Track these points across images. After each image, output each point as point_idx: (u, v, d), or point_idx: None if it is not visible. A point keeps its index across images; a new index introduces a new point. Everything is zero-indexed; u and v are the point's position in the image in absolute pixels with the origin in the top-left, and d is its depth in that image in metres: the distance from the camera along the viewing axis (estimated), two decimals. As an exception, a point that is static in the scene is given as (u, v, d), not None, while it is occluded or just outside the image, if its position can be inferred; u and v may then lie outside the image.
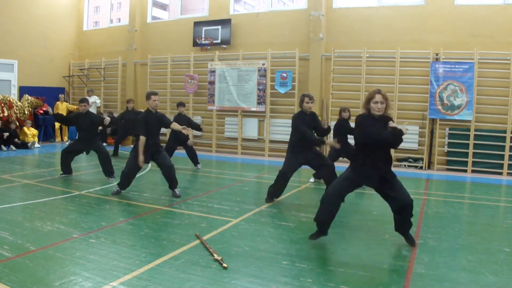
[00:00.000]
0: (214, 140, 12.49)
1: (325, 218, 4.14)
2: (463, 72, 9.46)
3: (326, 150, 9.56)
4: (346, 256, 3.94)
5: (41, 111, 13.03)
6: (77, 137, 7.79)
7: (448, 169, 9.83)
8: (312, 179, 7.78)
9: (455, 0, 9.80)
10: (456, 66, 9.54)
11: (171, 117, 9.45)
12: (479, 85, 9.46)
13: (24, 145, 11.55)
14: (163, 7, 32.33)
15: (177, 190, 6.23)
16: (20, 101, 12.69)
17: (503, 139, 9.31)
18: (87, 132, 7.38)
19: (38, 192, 6.18)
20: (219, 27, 12.30)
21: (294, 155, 5.83)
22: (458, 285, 3.30)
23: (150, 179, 7.61)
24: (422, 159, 10.04)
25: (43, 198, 5.80)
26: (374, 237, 4.51)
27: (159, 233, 4.45)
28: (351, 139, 6.89)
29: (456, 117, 9.62)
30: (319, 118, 6.28)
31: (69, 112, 13.23)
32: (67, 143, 12.01)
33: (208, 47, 12.55)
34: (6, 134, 11.20)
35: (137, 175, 6.39)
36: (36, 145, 12.00)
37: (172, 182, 6.22)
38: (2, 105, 11.75)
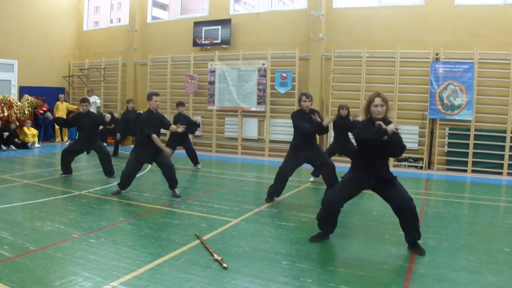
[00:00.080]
0: (214, 140, 12.49)
1: (328, 223, 4.20)
2: (463, 72, 9.46)
3: (327, 142, 9.46)
4: (346, 256, 3.94)
5: (41, 111, 13.03)
6: (77, 137, 7.79)
7: (448, 169, 9.83)
8: (312, 178, 7.77)
9: (455, 0, 9.79)
10: (456, 66, 9.54)
11: (171, 117, 9.44)
12: (479, 85, 9.45)
13: (24, 145, 11.55)
14: (163, 7, 32.33)
15: (177, 190, 6.24)
16: (20, 101, 12.69)
17: (503, 139, 9.30)
18: (88, 132, 7.38)
19: (38, 192, 6.18)
20: (219, 27, 12.29)
21: (295, 154, 5.83)
22: (458, 285, 3.30)
23: (150, 179, 7.61)
24: (422, 159, 10.04)
25: (43, 198, 5.81)
26: (374, 237, 4.52)
27: (159, 233, 4.45)
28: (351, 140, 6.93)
29: (456, 117, 9.62)
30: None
31: (69, 112, 13.23)
32: (67, 143, 12.03)
33: (208, 47, 12.55)
34: (6, 134, 11.21)
35: (137, 175, 6.40)
36: (36, 145, 12.00)
37: (172, 182, 6.23)
38: (2, 105, 11.75)
